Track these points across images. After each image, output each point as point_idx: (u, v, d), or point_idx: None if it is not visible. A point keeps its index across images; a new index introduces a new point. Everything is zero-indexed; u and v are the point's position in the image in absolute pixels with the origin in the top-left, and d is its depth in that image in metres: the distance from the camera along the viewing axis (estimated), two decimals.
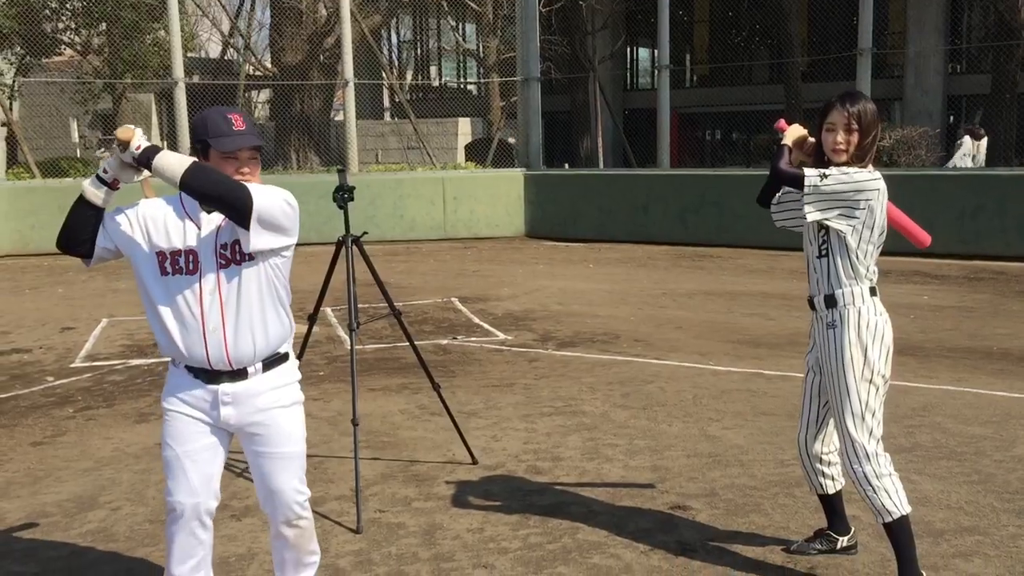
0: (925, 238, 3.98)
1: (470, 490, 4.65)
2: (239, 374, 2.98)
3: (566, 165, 24.04)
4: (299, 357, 4.84)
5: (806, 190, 3.44)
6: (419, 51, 39.30)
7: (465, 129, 32.09)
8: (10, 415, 6.15)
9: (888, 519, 3.46)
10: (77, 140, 36.52)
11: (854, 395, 3.49)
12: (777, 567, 3.75)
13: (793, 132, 3.63)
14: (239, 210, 2.80)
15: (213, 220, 2.91)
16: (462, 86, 40.14)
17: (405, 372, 7.11)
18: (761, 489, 4.56)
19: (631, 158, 18.80)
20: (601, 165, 19.42)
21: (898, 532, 3.47)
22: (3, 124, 17.07)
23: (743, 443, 5.26)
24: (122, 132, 2.78)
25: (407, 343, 8.08)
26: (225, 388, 2.98)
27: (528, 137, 16.45)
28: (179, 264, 2.91)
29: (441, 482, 4.78)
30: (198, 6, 20.16)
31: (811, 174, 3.46)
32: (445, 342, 8.10)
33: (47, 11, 23.92)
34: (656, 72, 16.03)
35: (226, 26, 20.08)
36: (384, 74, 19.16)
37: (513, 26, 18.21)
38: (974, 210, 12.26)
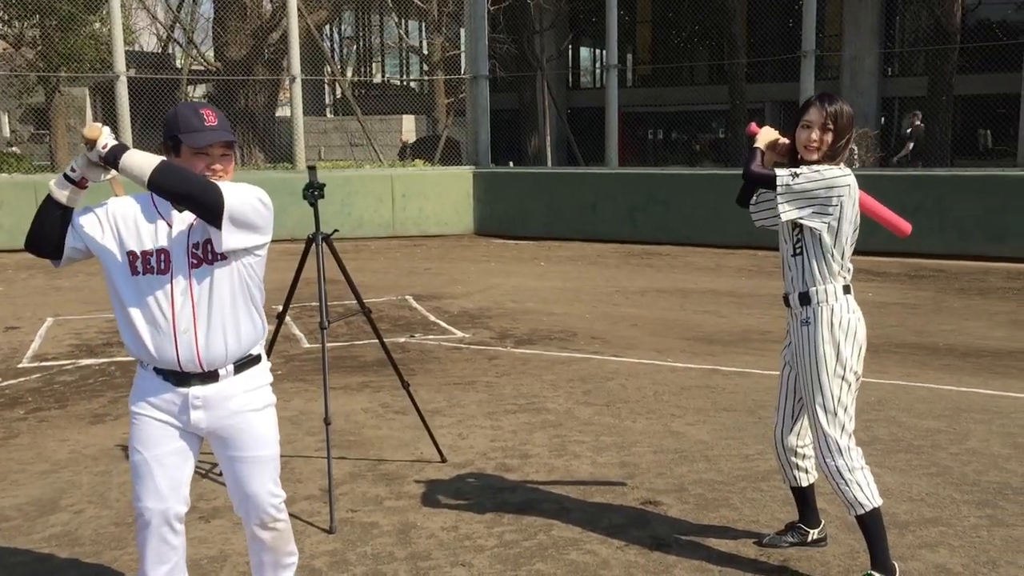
0: (905, 227, 4.09)
1: (441, 488, 4.65)
2: (210, 376, 2.92)
3: (510, 163, 24.11)
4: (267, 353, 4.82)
5: (779, 189, 3.52)
6: (361, 47, 39.01)
7: (409, 126, 31.93)
8: None
9: (860, 512, 3.54)
10: (8, 135, 35.53)
11: (827, 391, 3.57)
12: (750, 560, 3.81)
13: (765, 135, 3.70)
14: (210, 208, 2.73)
15: (185, 219, 2.85)
16: (405, 83, 39.94)
17: (364, 371, 7.07)
18: (729, 484, 4.63)
19: (577, 156, 18.91)
20: (549, 163, 19.47)
21: (870, 524, 3.56)
22: None
23: (707, 439, 5.34)
24: (89, 131, 2.70)
25: (364, 341, 8.07)
26: (195, 391, 2.92)
27: (477, 135, 16.44)
28: (150, 264, 2.84)
29: (411, 481, 4.77)
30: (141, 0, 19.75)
31: (782, 174, 3.53)
32: (403, 340, 8.06)
33: None
34: (603, 71, 16.11)
35: (166, 19, 19.68)
36: (332, 69, 18.94)
37: (457, 24, 18.19)
38: (913, 209, 12.54)
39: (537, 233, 15.19)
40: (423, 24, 31.35)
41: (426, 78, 35.89)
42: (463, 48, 17.32)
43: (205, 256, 2.85)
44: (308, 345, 7.94)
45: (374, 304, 9.66)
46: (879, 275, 11.31)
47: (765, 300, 9.33)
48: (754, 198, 3.84)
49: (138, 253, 2.84)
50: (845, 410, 3.58)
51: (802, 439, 3.83)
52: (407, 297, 10.02)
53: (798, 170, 3.54)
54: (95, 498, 4.59)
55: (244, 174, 15.79)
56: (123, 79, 14.49)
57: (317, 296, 4.69)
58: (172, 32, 18.95)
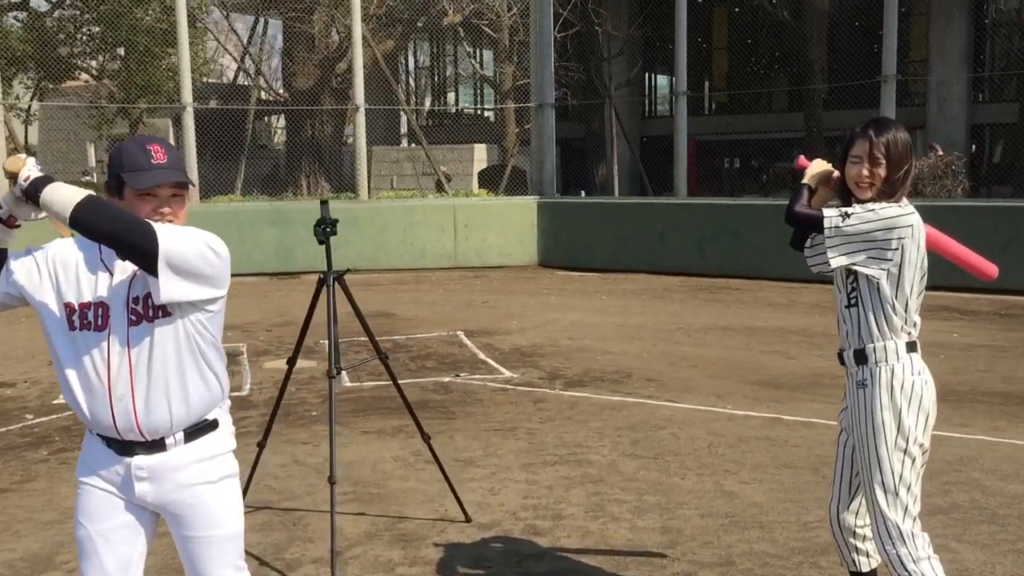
0: (990, 269, 3.55)
1: (461, 554, 4.23)
2: (155, 445, 2.54)
3: (582, 193, 23.71)
4: (276, 406, 4.48)
5: (827, 232, 3.06)
6: (436, 77, 39.21)
7: (480, 155, 31.84)
8: None
9: None
10: (94, 164, 36.59)
11: (886, 466, 3.06)
12: None
13: (815, 168, 3.23)
14: (141, 250, 2.35)
15: (127, 268, 2.49)
16: (479, 112, 39.99)
17: (402, 413, 6.64)
18: (783, 557, 4.12)
19: (647, 186, 18.42)
20: (616, 193, 19.02)
21: None
22: (13, 150, 16.89)
23: (762, 501, 4.82)
24: (10, 163, 2.37)
25: (406, 381, 7.71)
26: (139, 461, 2.55)
27: (542, 164, 16.11)
28: (87, 318, 2.49)
29: (430, 543, 4.37)
30: (210, 30, 20.00)
31: (831, 214, 3.07)
32: (447, 380, 7.69)
33: (63, 35, 23.91)
34: (673, 98, 15.64)
35: (240, 51, 19.90)
36: (399, 99, 18.88)
37: (528, 52, 17.93)
38: (1005, 242, 11.75)
39: (603, 265, 14.72)
40: (495, 53, 31.32)
41: (492, 107, 35.89)
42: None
43: (145, 312, 2.48)
44: (349, 384, 7.63)
45: (424, 340, 9.35)
46: (966, 314, 10.55)
47: (839, 340, 8.71)
48: (809, 240, 3.34)
49: (75, 306, 2.49)
50: (908, 489, 3.07)
51: (861, 518, 3.31)
52: (459, 333, 9.66)
53: (850, 209, 3.07)
54: None
55: (307, 204, 15.72)
56: (190, 110, 14.56)
57: (328, 338, 4.28)
58: (243, 63, 19.08)
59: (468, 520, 4.60)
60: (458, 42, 33.18)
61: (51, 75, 25.40)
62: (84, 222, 2.31)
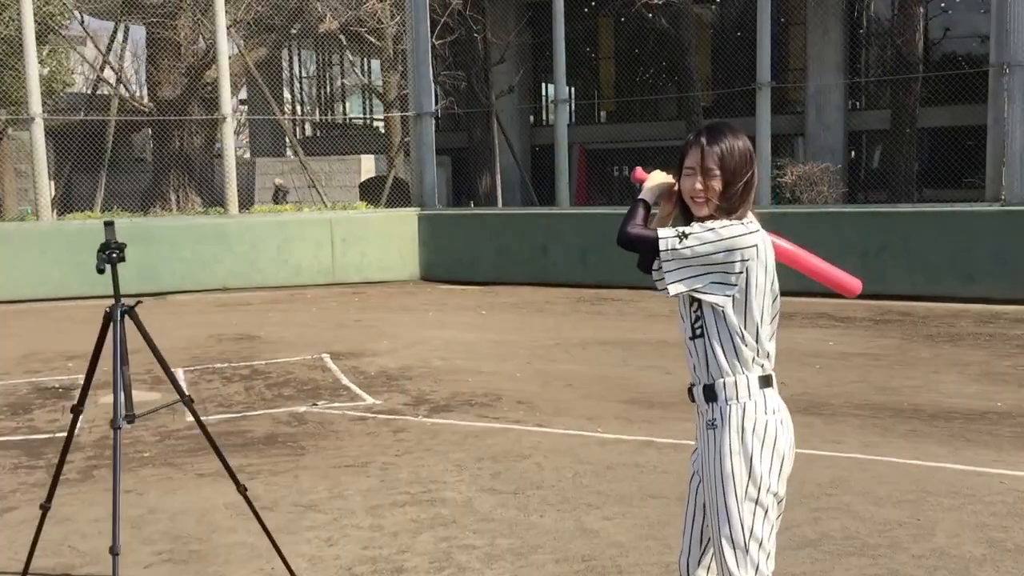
0: (854, 286, 3.26)
1: None
2: None
3: (471, 204, 23.30)
4: (60, 462, 3.88)
5: (662, 256, 2.67)
6: (321, 86, 38.31)
7: (368, 166, 31.14)
8: None
9: None
10: None
11: (735, 519, 2.69)
12: None
13: (653, 180, 2.85)
14: None
15: None
16: (367, 123, 39.25)
17: (247, 450, 6.12)
18: None
19: (532, 196, 18.14)
20: (499, 204, 18.69)
21: None
22: None
23: (624, 540, 4.43)
24: None
25: (259, 412, 7.14)
26: None
27: (422, 175, 15.63)
28: None
29: None
30: (64, 37, 18.87)
31: (666, 235, 2.69)
32: (303, 409, 7.13)
33: None
34: (554, 107, 15.38)
35: (96, 60, 18.85)
36: (274, 110, 18.12)
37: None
38: (879, 249, 11.83)
39: (486, 278, 14.34)
40: (381, 62, 30.67)
41: (375, 117, 35.25)
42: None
43: None
44: (191, 418, 6.97)
45: (285, 365, 8.75)
46: (842, 320, 10.50)
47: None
48: (656, 262, 2.93)
49: None
50: (760, 545, 2.70)
51: (714, 573, 2.94)
52: (324, 356, 9.08)
53: (688, 229, 2.69)
54: None
55: (173, 220, 14.87)
56: (39, 121, 13.63)
57: (113, 382, 3.70)
58: (102, 72, 18.05)
59: None
60: (342, 50, 32.43)
61: None
62: None
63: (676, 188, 2.86)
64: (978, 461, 5.45)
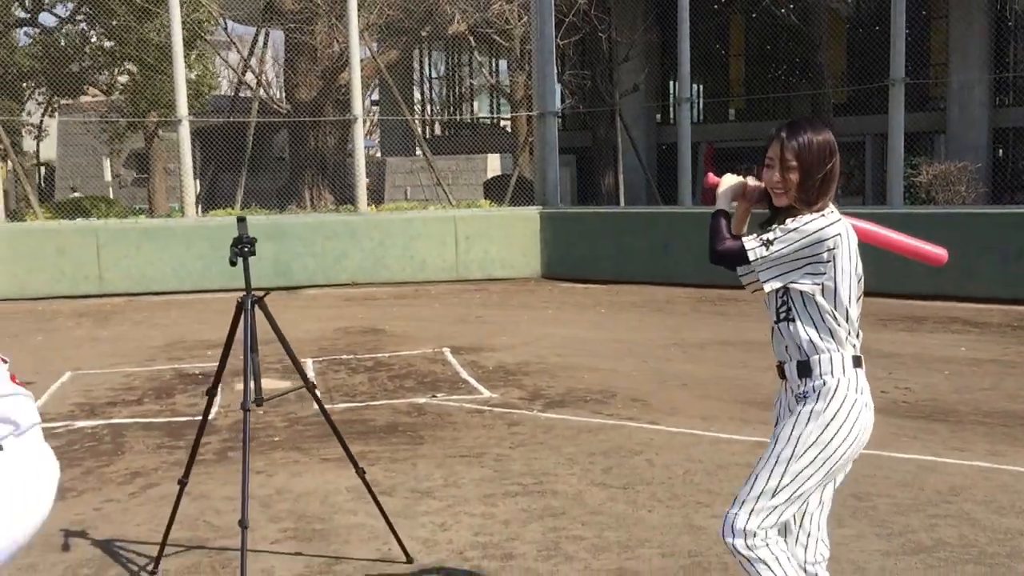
0: (937, 256, 3.28)
1: None
2: None
3: (594, 202, 23.33)
4: (196, 440, 4.18)
5: (753, 262, 2.80)
6: (450, 87, 39.02)
7: (495, 165, 31.55)
8: None
9: None
10: (109, 179, 36.69)
11: (778, 468, 2.82)
12: None
13: (726, 184, 2.97)
14: None
15: None
16: (495, 122, 39.75)
17: (368, 438, 6.38)
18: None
19: (656, 195, 18.06)
20: (621, 202, 18.67)
21: None
22: (2, 160, 16.79)
23: None
24: None
25: (381, 402, 7.42)
26: None
27: (545, 174, 15.79)
28: None
29: None
30: (209, 43, 19.87)
31: (752, 246, 2.83)
32: (423, 401, 7.37)
33: (71, 51, 23.88)
34: (677, 105, 15.28)
35: (238, 64, 19.78)
36: (403, 110, 18.62)
37: None
38: (1019, 252, 11.30)
39: (607, 276, 14.37)
40: (508, 62, 31.04)
41: (501, 116, 35.62)
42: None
43: None
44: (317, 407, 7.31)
45: (408, 358, 9.04)
46: (977, 326, 10.10)
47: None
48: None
49: None
50: (786, 500, 2.79)
51: (811, 553, 2.99)
52: (445, 350, 9.33)
53: (771, 235, 2.81)
54: None
55: (308, 217, 15.48)
56: (185, 123, 14.40)
57: (244, 368, 3.95)
58: (243, 76, 18.93)
59: (409, 561, 4.27)
60: (471, 51, 32.96)
61: (61, 90, 25.41)
62: None
63: (748, 187, 2.96)
64: None
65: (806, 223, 2.78)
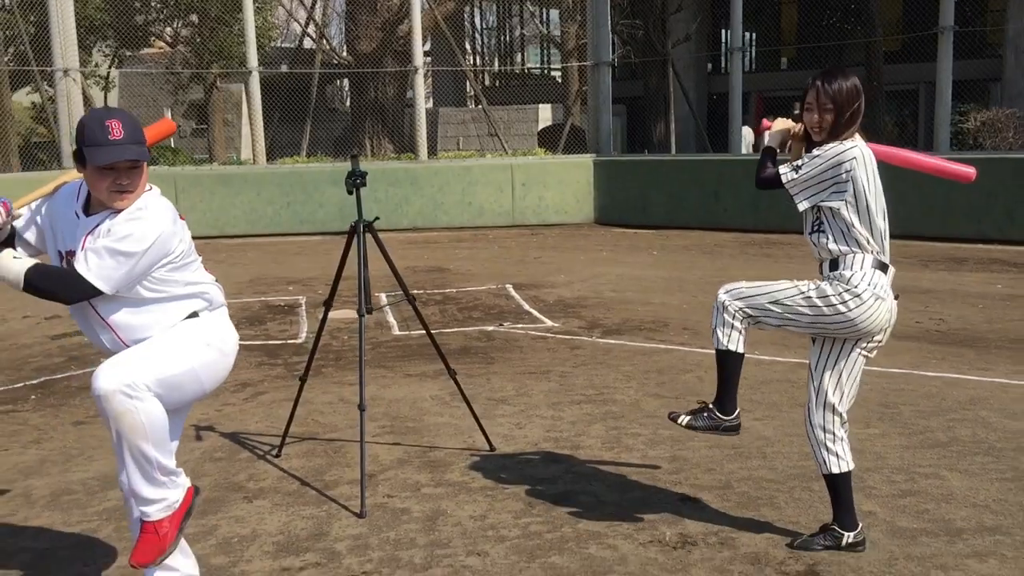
0: (967, 173, 3.90)
1: (482, 477, 4.63)
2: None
3: (645, 151, 23.73)
4: (315, 343, 4.92)
5: (787, 187, 3.48)
6: (502, 38, 39.33)
7: (546, 115, 31.97)
8: (60, 395, 6.38)
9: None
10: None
11: (781, 288, 3.59)
12: (777, 563, 3.62)
13: (779, 127, 3.66)
14: (86, 297, 2.94)
15: (91, 224, 2.99)
16: (545, 72, 40.05)
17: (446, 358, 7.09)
18: (779, 482, 4.42)
19: (706, 144, 18.46)
20: (673, 151, 19.10)
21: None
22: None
23: (771, 435, 5.11)
24: None
25: (453, 329, 8.14)
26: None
27: (598, 123, 16.29)
28: (71, 263, 2.99)
29: (455, 468, 4.77)
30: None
31: (784, 171, 3.53)
32: (491, 328, 8.08)
33: (138, 3, 24.73)
34: (729, 55, 15.64)
35: (304, 15, 20.42)
36: (460, 61, 19.16)
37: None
38: None
39: (658, 222, 14.92)
40: (560, 13, 31.30)
41: (553, 67, 35.91)
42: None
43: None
44: (398, 332, 8.07)
45: (473, 293, 9.75)
46: (1016, 266, 10.54)
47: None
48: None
49: (63, 253, 3.04)
50: (773, 302, 3.60)
51: (828, 419, 3.65)
52: (508, 286, 10.03)
53: (799, 162, 3.50)
54: None
55: (369, 165, 16.19)
56: (255, 75, 15.12)
57: (358, 284, 4.66)
58: (306, 28, 19.59)
59: (492, 449, 5.00)
60: (522, 2, 33.26)
61: (128, 43, 26.32)
62: (33, 290, 2.91)
63: (793, 130, 3.61)
64: None
65: (826, 150, 3.44)
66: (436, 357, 7.11)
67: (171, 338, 3.05)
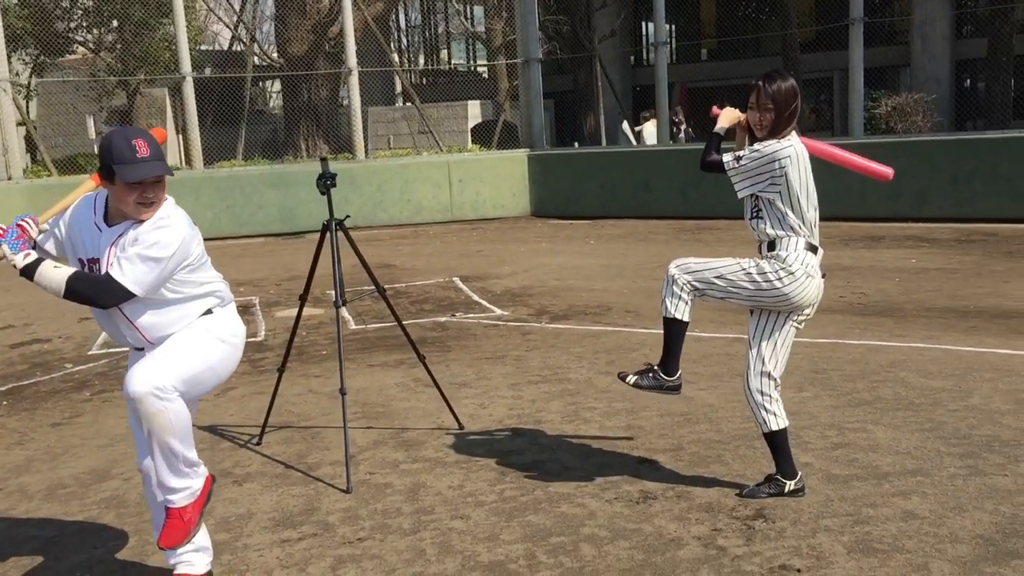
0: (885, 172, 4.35)
1: (455, 452, 5.00)
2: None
3: (575, 144, 24.26)
4: (292, 335, 5.24)
5: (729, 173, 3.89)
6: (428, 35, 39.53)
7: (475, 112, 32.26)
8: (31, 400, 6.56)
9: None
10: (94, 136, 37.13)
11: (725, 264, 4.02)
12: (728, 509, 4.07)
13: (727, 116, 4.05)
14: (119, 301, 3.24)
15: (115, 233, 3.28)
16: (473, 69, 40.37)
17: (403, 349, 7.40)
18: (725, 442, 4.88)
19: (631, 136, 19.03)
20: (603, 143, 19.65)
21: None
22: (20, 124, 17.50)
23: (715, 402, 5.58)
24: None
25: (407, 322, 8.46)
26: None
27: (530, 118, 16.72)
28: (93, 271, 3.30)
29: (429, 446, 5.14)
30: (204, 1, 20.48)
31: (728, 159, 3.97)
32: (444, 319, 8.44)
33: (59, 11, 24.38)
34: (653, 49, 16.20)
35: (231, 19, 20.43)
36: (390, 60, 19.39)
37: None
38: (968, 174, 12.44)
39: (592, 213, 15.42)
40: (485, 9, 31.69)
41: (487, 64, 36.28)
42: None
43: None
44: (355, 327, 8.38)
45: (422, 287, 10.09)
46: (928, 241, 11.26)
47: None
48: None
49: (85, 261, 3.33)
50: (712, 274, 4.05)
51: (764, 383, 4.09)
52: (454, 279, 10.40)
53: (741, 152, 3.93)
54: None
55: (305, 166, 16.37)
56: (189, 80, 15.19)
57: (333, 279, 4.99)
58: (237, 31, 19.64)
59: (461, 428, 5.37)
60: (447, 0, 33.54)
61: (49, 50, 25.91)
62: (72, 297, 3.18)
63: (740, 120, 4.03)
64: None
65: (766, 146, 3.88)
66: (394, 348, 7.50)
67: (190, 339, 3.37)
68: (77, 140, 37.20)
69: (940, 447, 4.62)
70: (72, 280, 3.17)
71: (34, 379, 7.14)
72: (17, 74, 27.71)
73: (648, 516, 4.04)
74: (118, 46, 25.23)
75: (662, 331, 4.19)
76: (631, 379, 4.19)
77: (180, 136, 23.24)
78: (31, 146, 37.98)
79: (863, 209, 12.68)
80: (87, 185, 3.45)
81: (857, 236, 11.78)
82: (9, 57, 25.99)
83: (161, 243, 3.23)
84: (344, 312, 8.87)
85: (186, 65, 15.14)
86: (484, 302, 9.11)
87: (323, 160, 5.07)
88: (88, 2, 24.84)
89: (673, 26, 33.77)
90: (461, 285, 10.05)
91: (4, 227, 3.24)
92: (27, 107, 29.65)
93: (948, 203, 12.42)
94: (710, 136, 4.10)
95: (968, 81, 28.31)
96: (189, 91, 15.23)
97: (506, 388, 6.17)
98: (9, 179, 14.83)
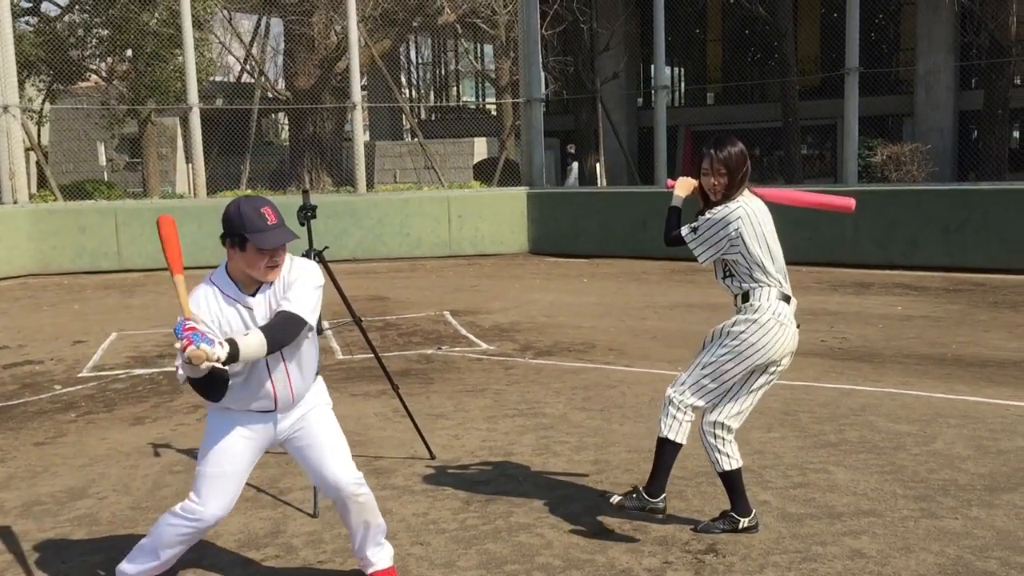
0: (846, 203, 4.48)
1: (423, 481, 5.10)
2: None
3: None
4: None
5: (690, 246, 4.12)
6: (437, 72, 40.04)
7: (481, 149, 32.64)
8: (17, 419, 6.69)
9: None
10: (104, 163, 37.57)
11: (708, 363, 4.10)
12: (682, 543, 4.16)
13: (682, 185, 4.22)
14: (305, 331, 3.51)
15: (262, 304, 3.48)
16: (480, 107, 40.82)
17: (385, 380, 7.55)
18: (688, 479, 4.97)
19: (635, 176, 19.26)
20: (602, 183, 19.87)
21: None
22: (28, 149, 17.81)
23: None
24: (195, 358, 3.13)
25: (392, 353, 8.59)
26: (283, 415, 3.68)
27: (531, 156, 16.94)
28: None
29: (399, 474, 5.24)
30: (214, 34, 20.88)
31: (685, 232, 4.16)
32: (430, 352, 8.56)
33: (73, 39, 24.82)
34: (654, 92, 16.46)
35: (242, 52, 20.81)
36: (396, 96, 19.70)
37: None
38: (959, 224, 12.57)
39: (589, 251, 15.57)
40: (494, 48, 32.10)
41: (488, 102, 36.72)
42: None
43: None
44: (341, 357, 8.51)
45: (413, 319, 10.22)
46: (917, 289, 11.36)
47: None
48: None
49: None
50: (700, 386, 4.12)
51: (720, 422, 4.18)
52: (445, 313, 10.53)
53: (696, 223, 4.11)
54: (119, 487, 5.18)
55: (312, 198, 16.58)
56: (196, 110, 15.46)
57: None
58: (245, 64, 19.98)
59: (432, 457, 5.47)
60: (457, 39, 33.99)
61: (62, 77, 26.32)
62: (274, 350, 3.36)
63: (694, 187, 4.20)
64: (994, 396, 6.46)
65: (716, 212, 4.06)
66: (378, 379, 7.60)
67: (333, 418, 3.84)
68: (86, 166, 37.69)
69: (897, 489, 4.71)
70: (266, 333, 3.32)
71: (23, 399, 7.27)
72: (30, 100, 28.21)
73: (603, 548, 4.13)
74: (130, 75, 25.65)
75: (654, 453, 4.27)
76: (615, 500, 4.23)
77: (189, 166, 23.56)
78: (40, 171, 38.56)
79: (855, 256, 12.80)
80: (179, 280, 3.55)
81: (847, 282, 11.90)
82: (23, 83, 26.54)
83: (311, 273, 3.51)
84: (332, 343, 9.02)
85: (193, 96, 15.42)
86: (471, 336, 9.23)
87: (304, 192, 5.25)
88: (102, 31, 25.29)
89: (681, 70, 34.23)
90: (451, 319, 10.17)
91: (184, 337, 3.19)
92: (39, 133, 30.15)
93: (939, 252, 12.54)
94: (669, 211, 4.29)
95: (975, 132, 28.55)
96: (195, 121, 15.50)
97: (482, 420, 6.28)
98: (15, 203, 15.06)
